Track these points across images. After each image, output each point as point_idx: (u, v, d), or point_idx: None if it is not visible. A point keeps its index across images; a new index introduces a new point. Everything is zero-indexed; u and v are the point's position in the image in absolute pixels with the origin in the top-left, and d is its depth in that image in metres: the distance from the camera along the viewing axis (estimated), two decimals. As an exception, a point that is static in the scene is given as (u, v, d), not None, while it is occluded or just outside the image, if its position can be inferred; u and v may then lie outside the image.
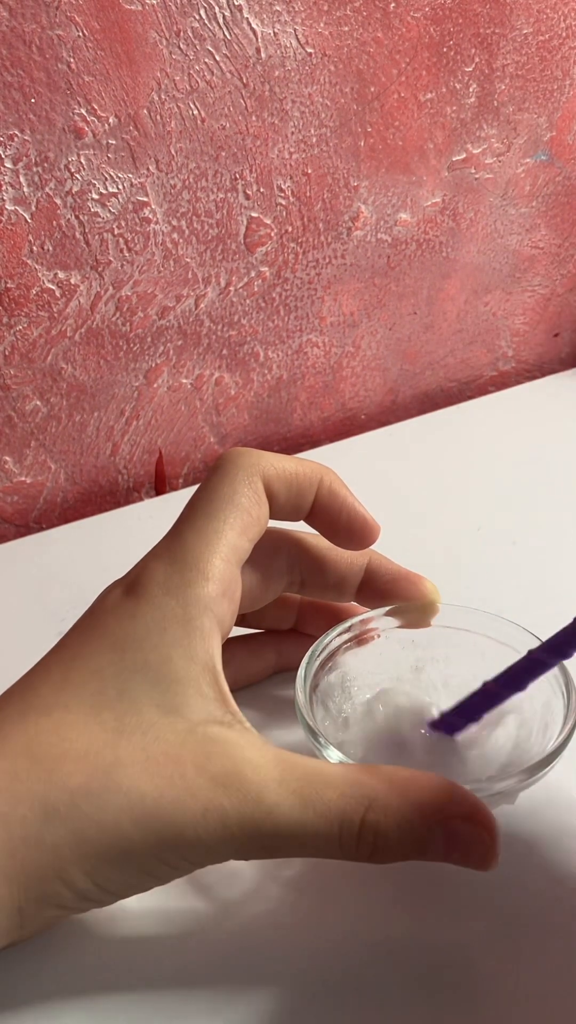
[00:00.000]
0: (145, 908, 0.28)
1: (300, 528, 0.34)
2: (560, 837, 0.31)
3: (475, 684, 0.33)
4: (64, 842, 0.23)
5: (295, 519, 0.32)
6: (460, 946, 0.27)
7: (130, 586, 0.28)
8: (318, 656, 0.32)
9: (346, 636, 0.33)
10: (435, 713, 0.31)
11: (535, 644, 0.32)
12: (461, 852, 0.24)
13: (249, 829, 0.24)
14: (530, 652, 0.29)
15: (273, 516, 0.31)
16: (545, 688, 0.31)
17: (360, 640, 0.33)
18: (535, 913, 0.28)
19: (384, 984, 0.26)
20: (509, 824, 0.30)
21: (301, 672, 0.31)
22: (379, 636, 0.34)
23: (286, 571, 0.34)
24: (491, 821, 0.24)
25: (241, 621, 0.35)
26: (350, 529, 0.32)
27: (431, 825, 0.24)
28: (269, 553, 0.32)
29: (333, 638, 0.32)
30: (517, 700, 0.31)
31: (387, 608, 0.34)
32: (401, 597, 0.34)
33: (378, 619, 0.34)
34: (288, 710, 0.35)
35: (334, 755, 0.28)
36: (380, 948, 0.27)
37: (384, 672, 0.34)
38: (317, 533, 0.33)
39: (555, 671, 0.31)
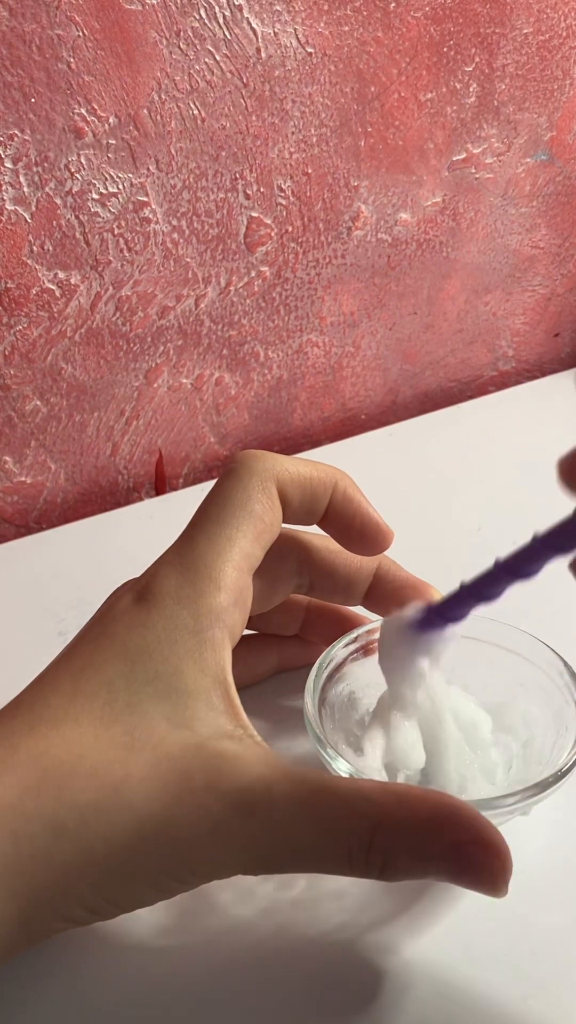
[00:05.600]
0: (148, 918, 0.28)
1: (306, 528, 0.34)
2: (568, 840, 0.31)
3: (482, 692, 0.33)
4: (73, 859, 0.23)
5: (308, 523, 0.32)
6: (463, 950, 0.27)
7: (141, 593, 0.28)
8: (326, 667, 0.31)
9: (353, 647, 0.33)
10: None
11: (542, 650, 0.32)
12: (471, 876, 0.24)
13: (258, 846, 0.24)
14: (535, 537, 0.27)
15: (286, 520, 0.31)
16: (557, 698, 0.30)
17: (367, 650, 0.33)
18: (539, 916, 0.28)
19: (389, 996, 0.26)
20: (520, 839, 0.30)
21: (310, 683, 0.30)
22: None
23: (295, 574, 0.33)
24: (503, 846, 0.24)
25: (247, 623, 0.35)
26: (363, 535, 0.32)
27: (441, 847, 0.23)
28: (278, 556, 0.32)
29: (340, 649, 0.32)
30: (526, 708, 0.31)
31: None
32: (408, 604, 0.33)
33: None
34: (295, 719, 0.35)
35: (343, 767, 0.28)
36: (385, 962, 0.27)
37: None
38: (326, 535, 0.33)
39: (566, 680, 0.30)
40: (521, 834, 0.30)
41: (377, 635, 0.33)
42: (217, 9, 0.45)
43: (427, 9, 0.51)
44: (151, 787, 0.24)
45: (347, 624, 0.35)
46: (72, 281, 0.47)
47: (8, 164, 0.43)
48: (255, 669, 0.37)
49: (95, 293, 0.48)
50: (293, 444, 0.61)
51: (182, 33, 0.44)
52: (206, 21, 0.45)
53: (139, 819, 0.23)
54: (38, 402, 0.50)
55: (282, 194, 0.51)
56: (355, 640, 0.33)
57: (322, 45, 0.48)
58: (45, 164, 0.44)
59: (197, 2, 0.44)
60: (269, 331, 0.55)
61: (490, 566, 0.26)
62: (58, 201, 0.45)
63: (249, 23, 0.46)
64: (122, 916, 0.26)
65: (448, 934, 0.28)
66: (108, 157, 0.45)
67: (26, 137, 0.43)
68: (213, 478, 0.57)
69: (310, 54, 0.48)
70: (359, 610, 0.35)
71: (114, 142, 0.45)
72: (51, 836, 0.23)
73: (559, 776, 0.27)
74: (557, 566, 0.45)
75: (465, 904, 0.28)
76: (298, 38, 0.47)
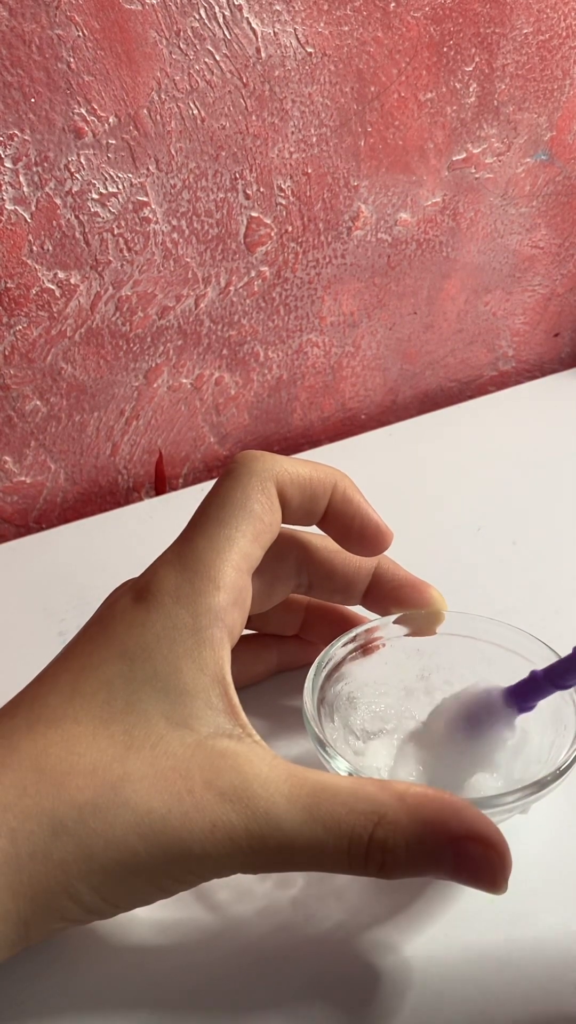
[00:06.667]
0: (147, 918, 0.28)
1: (306, 528, 0.34)
2: (567, 838, 0.31)
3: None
4: (72, 857, 0.23)
5: (307, 524, 0.32)
6: (463, 949, 0.27)
7: (140, 593, 0.28)
8: (325, 666, 0.31)
9: (351, 646, 0.33)
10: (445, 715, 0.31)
11: (542, 650, 0.32)
12: (470, 873, 0.24)
13: (257, 844, 0.24)
14: (532, 673, 0.29)
15: (285, 521, 0.31)
16: (555, 696, 0.30)
17: (366, 650, 0.33)
18: (538, 915, 0.28)
19: (388, 996, 0.26)
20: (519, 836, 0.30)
21: (308, 683, 0.30)
22: (384, 645, 0.34)
23: (294, 574, 0.33)
24: (502, 843, 0.24)
25: (246, 623, 0.35)
26: (363, 535, 0.32)
27: (440, 844, 0.23)
28: (277, 556, 0.32)
29: (338, 648, 0.32)
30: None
31: (393, 617, 0.34)
32: (407, 604, 0.33)
33: (383, 628, 0.34)
34: (294, 719, 0.35)
35: (343, 766, 0.28)
36: (385, 961, 0.27)
37: (390, 681, 0.33)
38: (325, 535, 0.33)
39: None
40: (520, 832, 0.30)
41: (376, 633, 0.33)
42: (217, 9, 0.45)
43: (427, 9, 0.51)
44: (149, 786, 0.24)
45: (346, 624, 0.35)
46: (72, 281, 0.47)
47: (8, 164, 0.43)
48: (255, 669, 0.37)
49: (95, 293, 0.48)
50: (293, 444, 0.61)
51: (182, 33, 0.44)
52: (206, 21, 0.45)
53: (137, 818, 0.23)
54: (38, 402, 0.50)
55: (282, 194, 0.51)
56: (354, 639, 0.33)
57: (322, 45, 0.48)
58: (45, 164, 0.44)
59: (197, 2, 0.44)
60: (269, 331, 0.55)
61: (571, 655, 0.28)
62: (58, 201, 0.45)
63: (249, 23, 0.46)
64: (121, 915, 0.26)
65: (448, 933, 0.28)
66: (108, 157, 0.45)
67: (26, 137, 0.43)
68: (213, 478, 0.57)
69: (310, 54, 0.48)
70: (358, 609, 0.36)
71: (114, 142, 0.45)
72: (50, 834, 0.23)
73: (558, 775, 0.27)
74: (551, 564, 0.45)
75: (464, 903, 0.28)
76: (298, 38, 0.47)
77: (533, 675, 0.29)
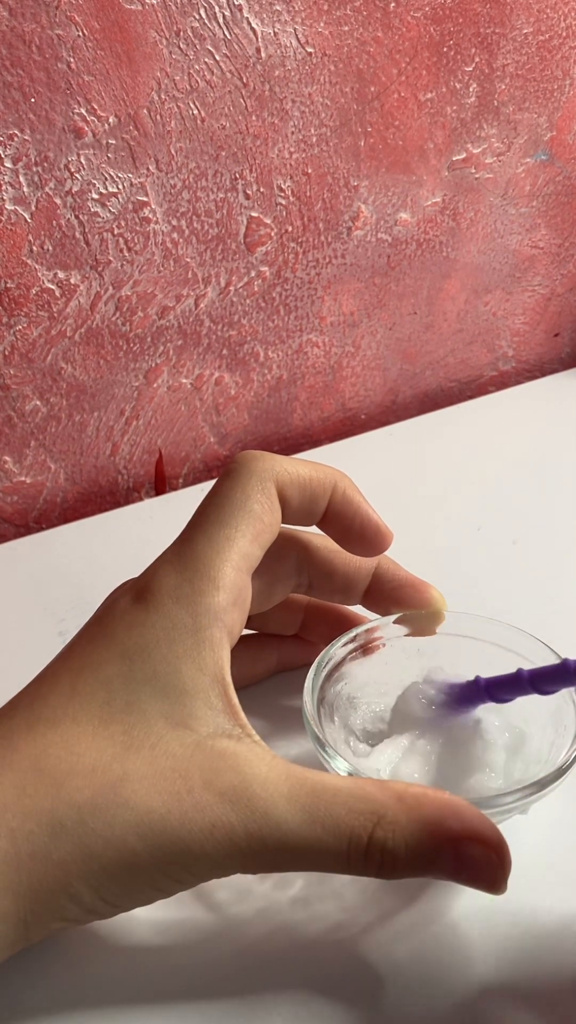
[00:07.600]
0: (147, 918, 0.28)
1: (306, 528, 0.34)
2: (567, 838, 0.31)
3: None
4: (71, 857, 0.23)
5: (307, 524, 0.32)
6: (463, 949, 0.27)
7: (140, 593, 0.28)
8: (325, 666, 0.31)
9: (352, 646, 0.33)
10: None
11: (542, 650, 0.32)
12: (469, 873, 0.24)
13: (256, 844, 0.24)
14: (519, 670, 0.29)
15: (285, 521, 0.31)
16: (555, 696, 0.30)
17: (366, 650, 0.33)
18: (538, 915, 0.28)
19: (387, 996, 0.26)
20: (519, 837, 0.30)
21: (308, 683, 0.30)
22: (384, 645, 0.34)
23: (294, 574, 0.33)
24: (502, 844, 0.24)
25: (246, 623, 0.35)
26: (363, 536, 0.32)
27: (440, 844, 0.23)
28: (277, 556, 0.32)
29: (338, 648, 0.32)
30: (526, 708, 0.31)
31: (393, 617, 0.34)
32: (407, 604, 0.33)
33: (384, 628, 0.34)
34: (294, 719, 0.35)
35: (342, 766, 0.28)
36: (385, 961, 0.27)
37: (390, 681, 0.33)
38: (325, 535, 0.33)
39: None
40: (520, 832, 0.30)
41: (376, 633, 0.33)
42: (217, 9, 0.45)
43: (427, 9, 0.51)
44: (149, 786, 0.24)
45: (346, 623, 0.35)
46: (72, 281, 0.47)
47: (8, 164, 0.43)
48: (254, 669, 0.37)
49: (95, 293, 0.48)
50: (293, 444, 0.61)
51: (182, 33, 0.44)
52: (206, 21, 0.45)
53: (136, 818, 0.23)
54: (38, 402, 0.50)
55: (282, 194, 0.51)
56: (354, 639, 0.33)
57: (322, 45, 0.48)
58: (45, 164, 0.44)
59: (197, 2, 0.44)
60: (269, 331, 0.55)
61: (557, 665, 0.29)
62: (58, 201, 0.45)
63: (249, 23, 0.46)
64: (121, 915, 0.26)
65: (447, 933, 0.28)
66: (108, 157, 0.45)
67: (26, 137, 0.43)
68: (213, 478, 0.57)
69: (310, 54, 0.48)
70: (359, 609, 0.36)
71: (114, 142, 0.45)
72: (49, 834, 0.23)
73: (557, 775, 0.27)
74: (551, 564, 0.45)
75: (464, 903, 0.28)
76: (298, 38, 0.47)
77: (519, 673, 0.29)
